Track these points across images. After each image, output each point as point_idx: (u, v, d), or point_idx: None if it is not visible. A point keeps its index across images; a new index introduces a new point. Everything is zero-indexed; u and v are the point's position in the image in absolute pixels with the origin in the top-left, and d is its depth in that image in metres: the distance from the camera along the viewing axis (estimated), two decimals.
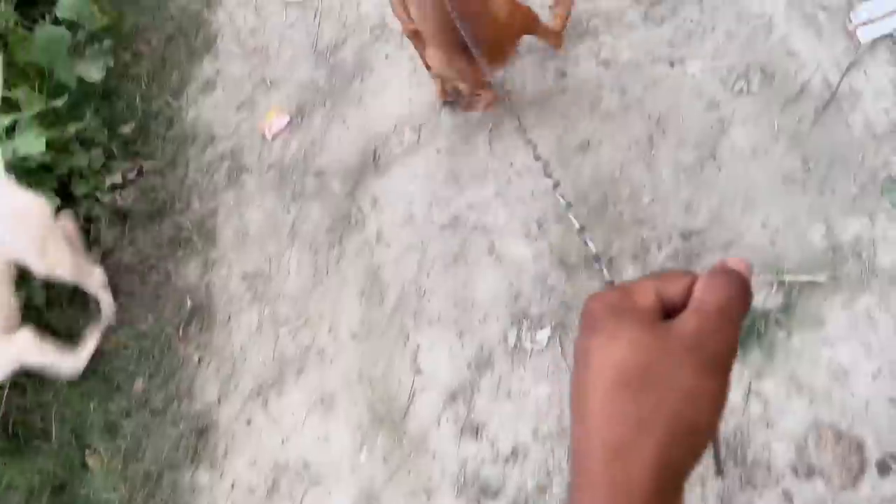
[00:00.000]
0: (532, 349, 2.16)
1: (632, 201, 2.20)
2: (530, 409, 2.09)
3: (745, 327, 1.88)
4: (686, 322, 0.48)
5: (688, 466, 0.46)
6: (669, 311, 0.49)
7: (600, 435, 0.46)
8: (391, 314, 2.39)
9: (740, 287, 0.49)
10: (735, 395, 1.84)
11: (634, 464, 0.45)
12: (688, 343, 0.47)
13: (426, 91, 2.62)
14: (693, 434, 0.46)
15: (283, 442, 2.42)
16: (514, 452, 2.07)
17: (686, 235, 2.11)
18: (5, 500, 2.63)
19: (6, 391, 2.72)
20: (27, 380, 2.73)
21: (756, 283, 1.86)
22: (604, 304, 0.49)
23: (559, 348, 2.13)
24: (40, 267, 2.48)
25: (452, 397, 2.21)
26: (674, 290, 0.50)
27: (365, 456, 2.26)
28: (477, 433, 2.13)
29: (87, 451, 2.69)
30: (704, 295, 0.48)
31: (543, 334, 2.17)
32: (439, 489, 2.12)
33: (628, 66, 2.38)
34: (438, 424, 2.19)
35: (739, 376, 1.87)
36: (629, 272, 2.10)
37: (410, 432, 2.22)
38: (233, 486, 2.44)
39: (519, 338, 2.19)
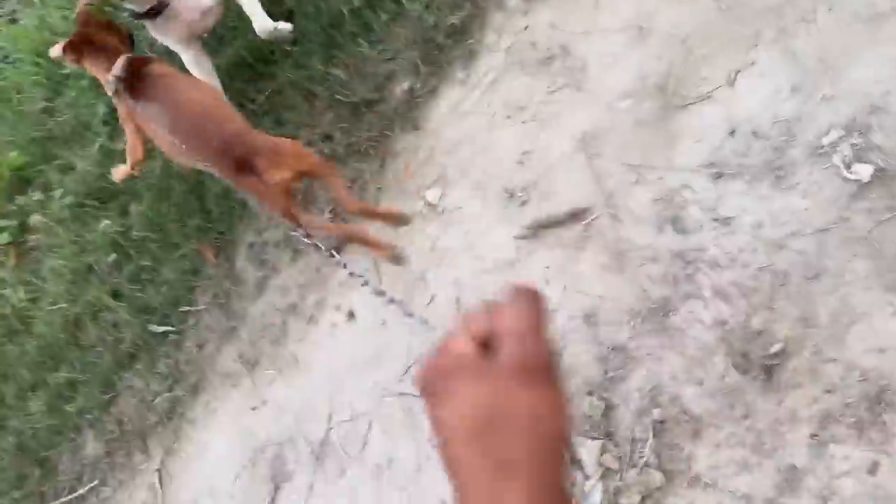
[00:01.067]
0: None
1: None
2: None
3: None
4: (504, 351, 0.53)
5: (561, 476, 0.52)
6: (489, 343, 0.55)
7: (477, 494, 0.51)
8: None
9: (535, 302, 0.56)
10: None
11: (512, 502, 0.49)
12: (512, 369, 0.52)
13: None
14: (552, 443, 0.52)
15: None
16: None
17: None
18: None
19: None
20: None
21: None
22: (432, 372, 0.55)
23: None
24: None
25: None
26: (484, 326, 0.55)
27: None
28: None
29: None
30: (509, 321, 0.55)
31: None
32: None
33: None
34: None
35: None
36: None
37: None
38: None
39: None
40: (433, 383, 0.54)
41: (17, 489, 3.17)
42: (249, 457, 2.80)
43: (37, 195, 3.76)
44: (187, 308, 3.13)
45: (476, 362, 0.53)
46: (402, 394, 2.59)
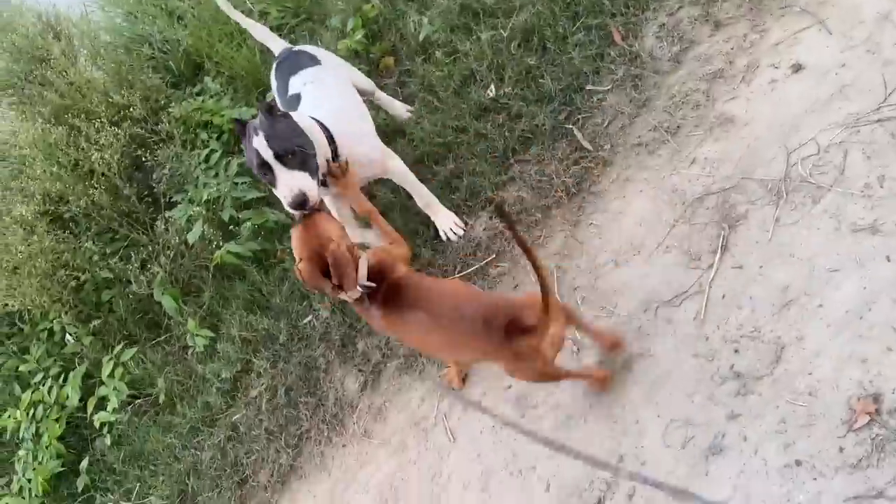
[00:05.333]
0: None
1: None
2: None
3: None
4: None
5: None
6: None
7: None
8: None
9: None
10: None
11: None
12: None
13: None
14: None
15: None
16: None
17: None
18: None
19: None
20: None
21: None
22: None
23: None
24: None
25: None
26: None
27: None
28: None
29: None
30: None
31: None
32: None
33: None
34: None
35: None
36: None
37: None
38: None
39: None
40: None
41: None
42: (681, 212, 2.67)
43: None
44: (592, 88, 3.10)
45: None
46: (880, 120, 2.43)
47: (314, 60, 3.07)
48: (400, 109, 3.51)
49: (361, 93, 3.27)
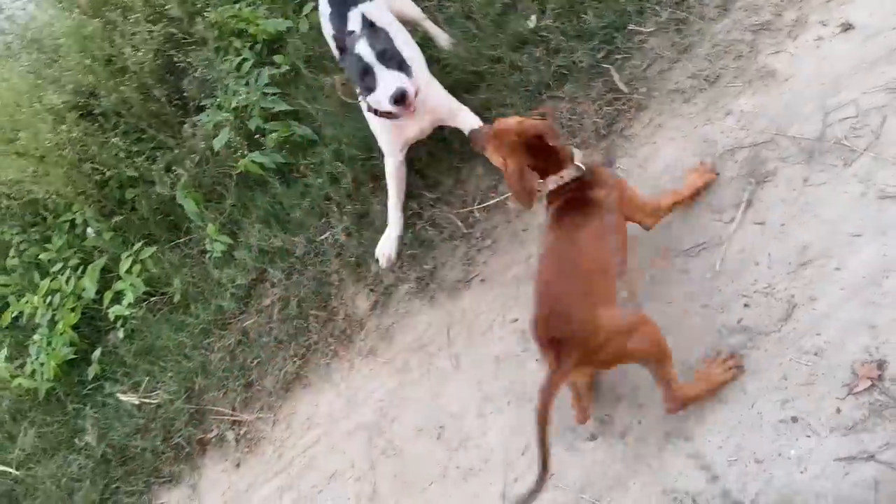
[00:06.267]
0: None
1: None
2: None
3: None
4: None
5: None
6: None
7: None
8: None
9: None
10: None
11: None
12: None
13: None
14: None
15: None
16: None
17: None
18: None
19: None
20: None
21: None
22: None
23: None
24: None
25: None
26: None
27: None
28: None
29: None
30: None
31: None
32: None
33: None
34: None
35: None
36: None
37: None
38: None
39: None
40: None
41: (431, 189, 3.16)
42: (709, 162, 2.64)
43: None
44: (634, 28, 3.03)
45: None
46: None
47: None
48: (444, 40, 3.47)
49: (408, 21, 3.28)
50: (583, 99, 3.01)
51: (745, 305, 2.33)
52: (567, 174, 2.28)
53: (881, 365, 2.03)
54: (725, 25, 2.87)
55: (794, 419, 2.10)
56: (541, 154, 2.28)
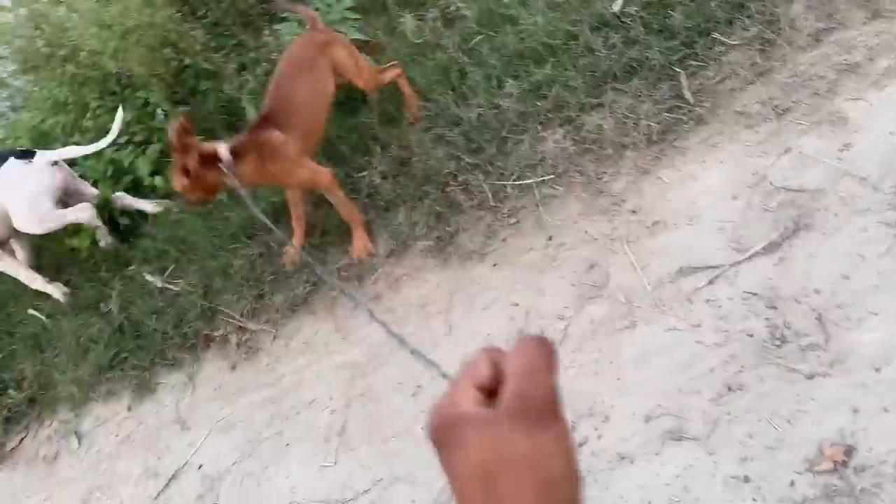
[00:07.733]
0: None
1: None
2: None
3: None
4: (507, 393, 0.53)
5: None
6: (494, 388, 0.55)
7: None
8: None
9: (541, 344, 0.56)
10: None
11: None
12: (515, 410, 0.52)
13: None
14: (562, 483, 0.51)
15: None
16: None
17: None
18: None
19: None
20: None
21: None
22: (438, 422, 0.55)
23: None
24: None
25: None
26: (485, 372, 0.56)
27: None
28: None
29: None
30: (513, 364, 0.55)
31: None
32: None
33: None
34: None
35: None
36: None
37: None
38: None
39: None
40: (441, 434, 0.54)
41: (472, 154, 3.14)
42: (752, 197, 2.52)
43: None
44: (718, 37, 2.88)
45: (477, 413, 0.53)
46: None
47: None
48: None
49: None
50: (646, 98, 2.90)
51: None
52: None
53: (849, 451, 1.95)
54: (812, 57, 2.69)
55: (747, 479, 2.05)
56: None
